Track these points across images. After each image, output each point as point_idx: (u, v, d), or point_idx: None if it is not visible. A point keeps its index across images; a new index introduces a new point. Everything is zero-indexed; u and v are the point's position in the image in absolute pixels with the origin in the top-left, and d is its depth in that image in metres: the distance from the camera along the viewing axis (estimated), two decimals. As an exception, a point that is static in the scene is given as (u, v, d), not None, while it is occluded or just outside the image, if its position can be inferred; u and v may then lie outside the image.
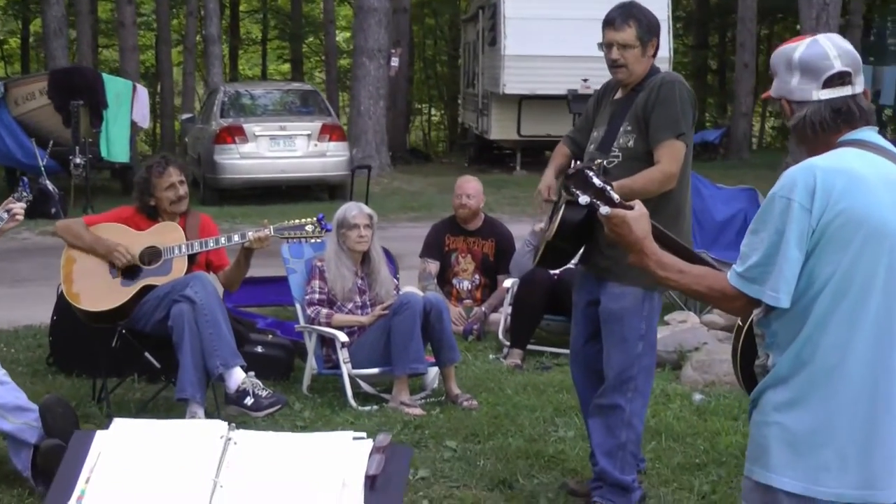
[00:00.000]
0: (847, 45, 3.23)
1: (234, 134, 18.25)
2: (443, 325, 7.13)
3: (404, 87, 32.05)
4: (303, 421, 6.74)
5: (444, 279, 9.30)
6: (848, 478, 3.08)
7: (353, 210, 7.48)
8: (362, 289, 7.45)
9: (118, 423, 3.13)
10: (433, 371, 7.35)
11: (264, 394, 6.29)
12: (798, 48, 3.19)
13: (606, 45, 5.27)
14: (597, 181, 3.23)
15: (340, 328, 7.25)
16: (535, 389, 7.40)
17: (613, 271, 5.23)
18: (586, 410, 5.65)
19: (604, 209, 3.23)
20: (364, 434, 3.06)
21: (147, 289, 6.63)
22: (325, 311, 7.30)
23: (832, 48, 3.17)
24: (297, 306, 7.55)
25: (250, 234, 6.58)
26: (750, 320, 3.50)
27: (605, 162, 5.03)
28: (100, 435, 3.13)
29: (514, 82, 22.13)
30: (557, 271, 8.62)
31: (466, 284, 9.30)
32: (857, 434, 3.08)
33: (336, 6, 34.95)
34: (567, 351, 8.44)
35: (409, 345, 6.99)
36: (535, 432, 6.54)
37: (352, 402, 7.04)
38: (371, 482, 2.97)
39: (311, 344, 7.37)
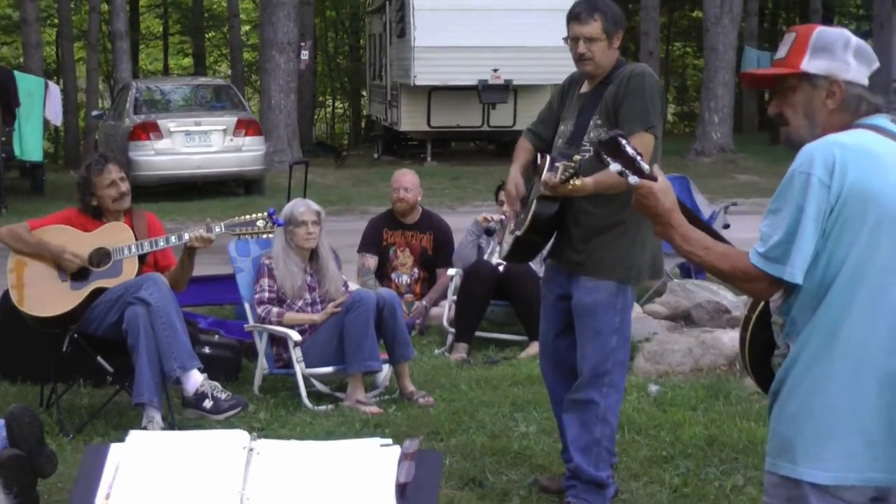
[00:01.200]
0: None
1: (148, 130, 18.00)
2: (396, 322, 7.07)
3: (309, 80, 31.83)
4: (259, 422, 6.62)
5: (383, 273, 9.22)
6: (876, 462, 3.08)
7: (300, 207, 7.36)
8: (311, 286, 7.35)
9: (134, 435, 3.02)
10: (385, 368, 7.27)
11: (223, 396, 6.18)
12: (848, 34, 3.21)
13: (572, 40, 5.22)
14: (629, 150, 3.18)
15: (292, 327, 7.14)
16: (488, 384, 7.36)
17: (586, 265, 5.20)
18: (556, 405, 5.62)
19: (632, 178, 3.19)
20: (390, 441, 2.99)
21: (98, 291, 6.48)
22: (276, 309, 7.19)
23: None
24: (246, 305, 7.42)
25: (200, 231, 6.46)
26: (758, 310, 3.47)
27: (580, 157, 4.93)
28: (115, 448, 3.01)
29: (424, 73, 22.07)
30: (502, 263, 8.60)
31: (405, 278, 9.23)
32: (882, 419, 3.08)
33: (238, -1, 34.49)
34: (513, 337, 8.54)
35: (364, 342, 6.91)
36: (496, 428, 6.49)
37: (306, 402, 6.94)
38: (402, 490, 2.91)
39: (261, 343, 7.25)
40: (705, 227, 3.38)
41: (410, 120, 23.75)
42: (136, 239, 6.61)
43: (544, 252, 5.62)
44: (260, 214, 6.58)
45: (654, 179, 3.21)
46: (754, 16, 31.78)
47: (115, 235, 6.62)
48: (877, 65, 3.21)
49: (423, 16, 21.84)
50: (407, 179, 9.17)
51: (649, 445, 6.16)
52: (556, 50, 22.88)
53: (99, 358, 6.62)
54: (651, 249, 5.31)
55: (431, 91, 22.88)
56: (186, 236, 6.50)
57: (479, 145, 27.04)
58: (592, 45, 5.16)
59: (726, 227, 9.60)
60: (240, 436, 2.98)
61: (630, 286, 5.32)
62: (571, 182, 4.61)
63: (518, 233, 5.25)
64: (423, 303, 9.06)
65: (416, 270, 9.24)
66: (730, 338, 7.58)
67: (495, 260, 8.74)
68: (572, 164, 4.59)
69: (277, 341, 7.26)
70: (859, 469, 3.10)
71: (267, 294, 7.24)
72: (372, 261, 9.15)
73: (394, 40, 24.26)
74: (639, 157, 3.21)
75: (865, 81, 3.20)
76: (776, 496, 3.22)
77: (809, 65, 3.21)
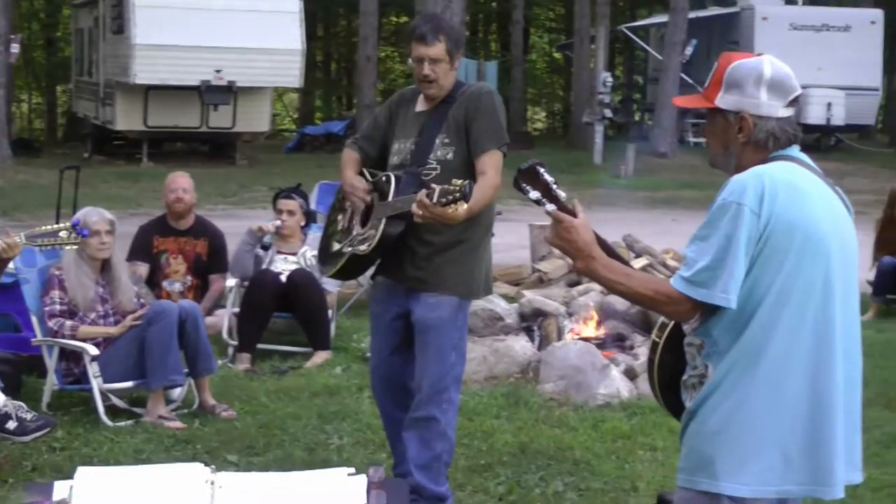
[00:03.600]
0: None
1: None
2: (199, 334, 6.91)
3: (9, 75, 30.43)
4: (58, 442, 6.33)
5: (153, 282, 8.94)
6: (792, 475, 3.24)
7: (93, 216, 7.07)
8: (104, 297, 7.07)
9: (83, 471, 2.85)
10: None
11: (29, 416, 5.90)
12: (764, 65, 3.31)
13: (417, 60, 5.21)
14: (547, 177, 3.22)
15: (85, 340, 6.85)
16: (287, 396, 7.28)
17: (429, 282, 5.21)
18: (386, 421, 5.64)
19: (549, 206, 3.24)
20: (353, 469, 2.95)
21: None
22: (69, 322, 6.87)
23: (790, 70, 3.35)
24: (34, 318, 7.06)
25: (6, 239, 6.09)
26: (666, 334, 3.59)
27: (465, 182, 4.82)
28: (60, 487, 2.84)
29: (145, 72, 21.53)
30: (285, 272, 8.52)
31: (178, 286, 8.97)
32: (800, 435, 3.24)
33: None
34: (297, 349, 8.47)
35: (168, 356, 6.72)
36: (310, 441, 6.44)
37: (104, 418, 6.67)
38: (372, 521, 2.86)
39: (50, 358, 6.91)
40: (617, 255, 3.46)
41: (126, 119, 23.08)
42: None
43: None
44: (63, 225, 6.26)
45: (575, 215, 3.28)
46: (461, 25, 32.46)
47: None
48: (797, 92, 3.35)
49: (143, 13, 21.32)
50: (185, 181, 8.95)
51: (466, 455, 6.24)
52: (281, 52, 22.97)
53: None
54: (485, 267, 5.39)
55: (149, 90, 22.34)
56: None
57: (192, 146, 26.55)
58: (436, 66, 5.17)
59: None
60: (198, 469, 2.86)
61: (469, 302, 5.40)
62: (453, 207, 4.55)
63: (361, 250, 5.18)
64: (199, 311, 8.85)
65: (188, 278, 9.01)
66: (521, 346, 7.78)
67: (275, 268, 8.65)
68: (456, 189, 4.53)
69: (67, 355, 6.94)
70: (777, 483, 3.25)
71: (58, 307, 6.92)
72: (143, 268, 8.84)
73: (108, 36, 23.55)
74: (555, 185, 3.26)
75: (780, 113, 3.34)
76: None
77: (721, 100, 3.36)
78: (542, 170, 3.25)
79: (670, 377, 3.54)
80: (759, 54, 3.43)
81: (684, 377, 3.45)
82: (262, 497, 2.87)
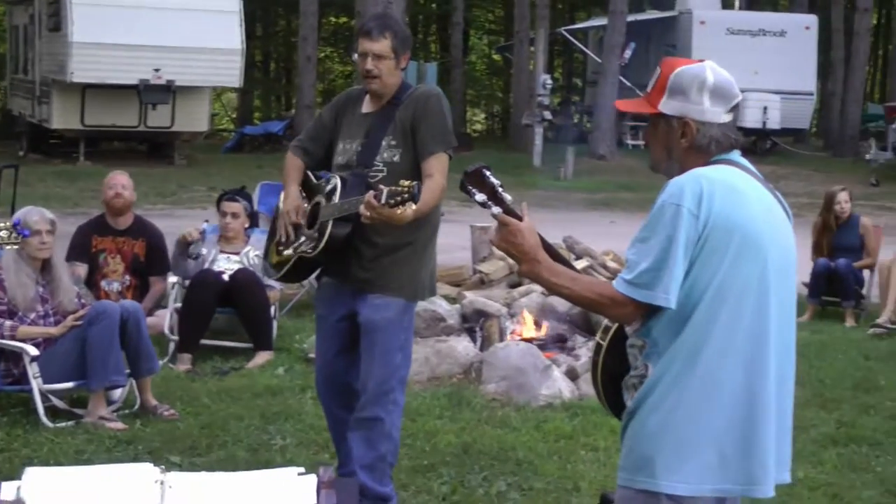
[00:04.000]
0: None
1: None
2: (141, 334, 6.87)
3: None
4: (-3, 443, 6.30)
5: (92, 281, 8.88)
6: (729, 474, 3.29)
7: (33, 215, 7.01)
8: (44, 297, 7.01)
9: (31, 472, 2.83)
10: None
11: (-33, 417, 5.83)
12: (707, 72, 3.36)
13: (361, 55, 5.23)
14: (493, 180, 3.25)
15: (25, 340, 6.79)
16: (229, 397, 7.26)
17: (376, 283, 5.22)
18: (330, 420, 5.64)
19: (495, 209, 3.27)
20: (303, 469, 2.96)
21: None
22: (8, 322, 6.81)
23: (731, 77, 3.41)
24: (-28, 319, 6.99)
25: None
26: (610, 337, 3.63)
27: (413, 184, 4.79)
28: (7, 487, 2.82)
29: (82, 70, 21.35)
30: (228, 271, 8.49)
31: (116, 286, 8.92)
32: (735, 434, 3.29)
33: None
34: (237, 345, 8.46)
35: (109, 357, 6.68)
36: (253, 442, 6.43)
37: (45, 419, 6.62)
38: (321, 520, 2.87)
39: (-11, 359, 6.86)
40: (562, 259, 3.51)
41: (63, 117, 22.86)
42: None
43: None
44: (3, 224, 6.21)
45: (521, 218, 3.31)
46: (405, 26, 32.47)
47: None
48: (738, 98, 3.41)
49: (81, 10, 21.12)
50: (124, 178, 8.92)
51: (409, 455, 6.25)
52: (220, 52, 22.82)
53: None
54: (430, 269, 5.41)
55: (86, 88, 22.15)
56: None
57: (130, 145, 26.36)
58: (380, 62, 5.18)
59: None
60: (148, 469, 2.86)
61: (415, 304, 5.42)
62: (402, 208, 4.56)
63: (308, 252, 5.19)
64: (138, 312, 8.80)
65: (127, 277, 8.95)
66: (463, 347, 7.81)
67: (217, 268, 8.62)
68: (405, 190, 4.54)
69: (7, 356, 6.86)
70: (714, 481, 3.30)
71: (-3, 307, 6.87)
72: (82, 269, 8.77)
73: (44, 33, 23.33)
74: (500, 188, 3.29)
75: (722, 119, 3.40)
76: None
77: (665, 106, 3.40)
78: (488, 173, 3.28)
79: (613, 379, 3.59)
80: (700, 60, 3.48)
81: (626, 378, 3.50)
82: (211, 497, 2.87)
